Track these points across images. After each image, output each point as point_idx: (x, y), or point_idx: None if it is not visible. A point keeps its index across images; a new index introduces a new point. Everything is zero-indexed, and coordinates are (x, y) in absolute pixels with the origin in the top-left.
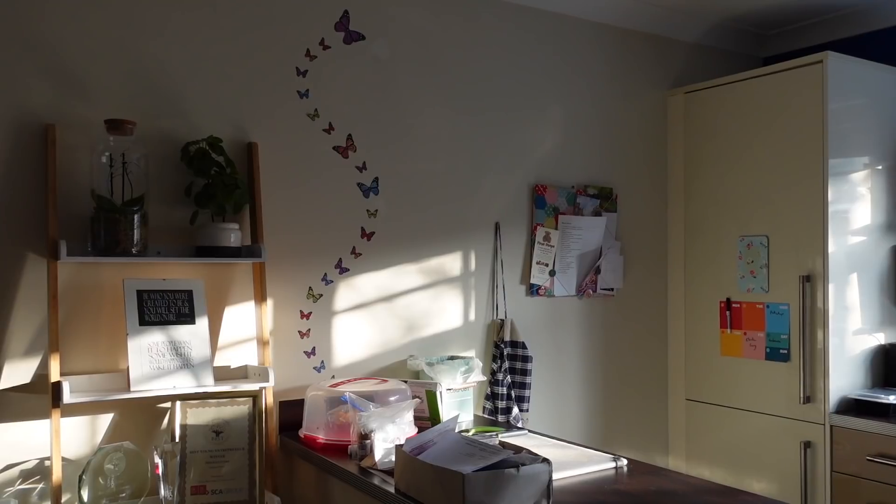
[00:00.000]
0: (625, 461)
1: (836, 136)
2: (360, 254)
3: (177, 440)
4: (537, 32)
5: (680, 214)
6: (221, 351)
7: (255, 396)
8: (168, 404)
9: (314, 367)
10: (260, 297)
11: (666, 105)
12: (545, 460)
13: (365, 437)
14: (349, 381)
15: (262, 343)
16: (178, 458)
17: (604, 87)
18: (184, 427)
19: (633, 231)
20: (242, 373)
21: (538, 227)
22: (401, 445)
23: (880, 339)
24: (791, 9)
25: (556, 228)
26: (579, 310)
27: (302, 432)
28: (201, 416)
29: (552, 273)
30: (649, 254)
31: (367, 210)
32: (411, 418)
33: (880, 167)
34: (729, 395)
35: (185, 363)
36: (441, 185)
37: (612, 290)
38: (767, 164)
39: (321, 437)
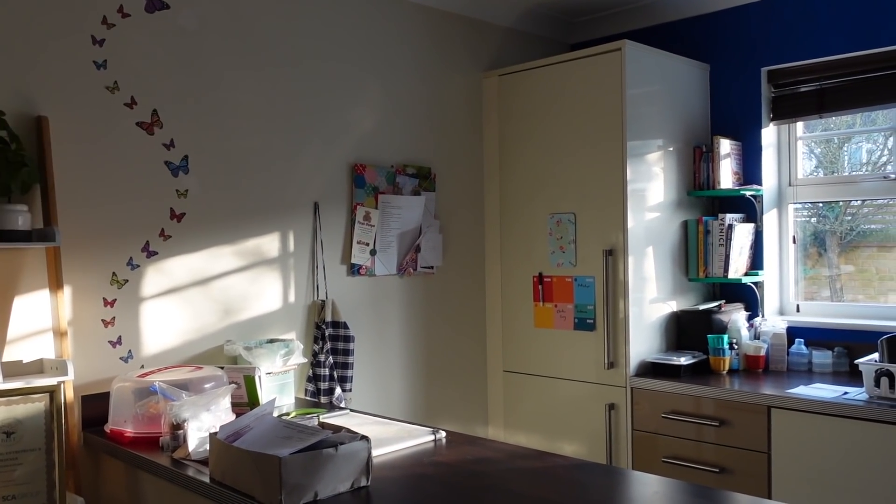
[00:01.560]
0: (443, 433)
1: (634, 120)
2: (170, 236)
3: None
4: (357, 10)
5: (495, 193)
6: (12, 345)
7: (52, 392)
8: None
9: (120, 358)
10: (55, 285)
11: (481, 87)
12: (364, 438)
13: (177, 427)
14: (160, 370)
15: (60, 334)
16: None
17: (422, 68)
18: None
19: (451, 210)
20: (37, 367)
21: (358, 206)
22: (215, 433)
23: (673, 306)
24: None
25: (376, 208)
26: (400, 288)
27: (108, 427)
28: None
29: (373, 252)
30: (467, 232)
31: (177, 190)
32: (228, 405)
33: (672, 149)
34: (542, 365)
35: None
36: (257, 163)
37: (433, 268)
38: (574, 145)
39: (129, 430)
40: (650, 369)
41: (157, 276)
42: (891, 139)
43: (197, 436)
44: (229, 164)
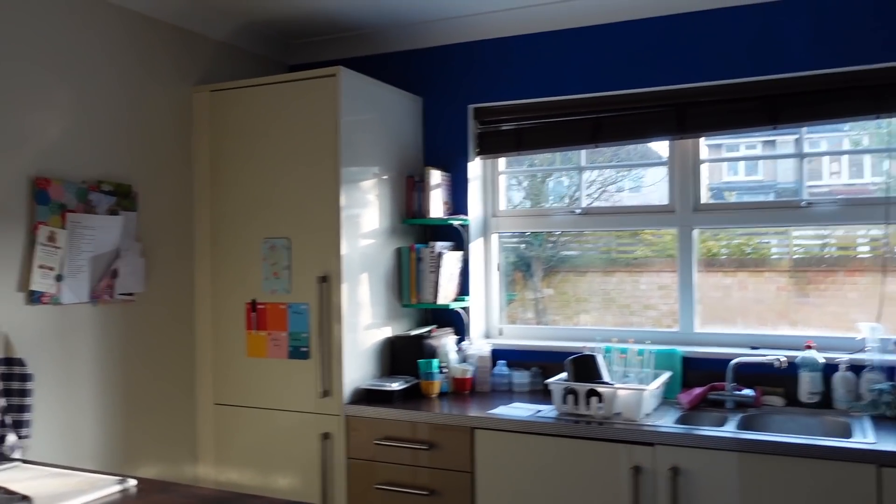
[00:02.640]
0: (132, 482)
1: (349, 147)
2: None
3: None
4: (42, 3)
5: (206, 215)
6: None
7: None
8: None
9: None
10: None
11: (191, 101)
12: (25, 498)
13: None
14: None
15: None
16: None
17: (123, 76)
18: None
19: (156, 231)
20: None
21: (40, 225)
22: None
23: (387, 332)
24: (313, 21)
25: (64, 228)
26: (94, 318)
27: None
28: None
29: (59, 278)
30: (174, 255)
31: None
32: None
33: (386, 177)
34: (255, 396)
35: None
36: None
37: (132, 294)
38: (290, 168)
39: None
40: (364, 396)
41: None
42: (584, 175)
43: None
44: None
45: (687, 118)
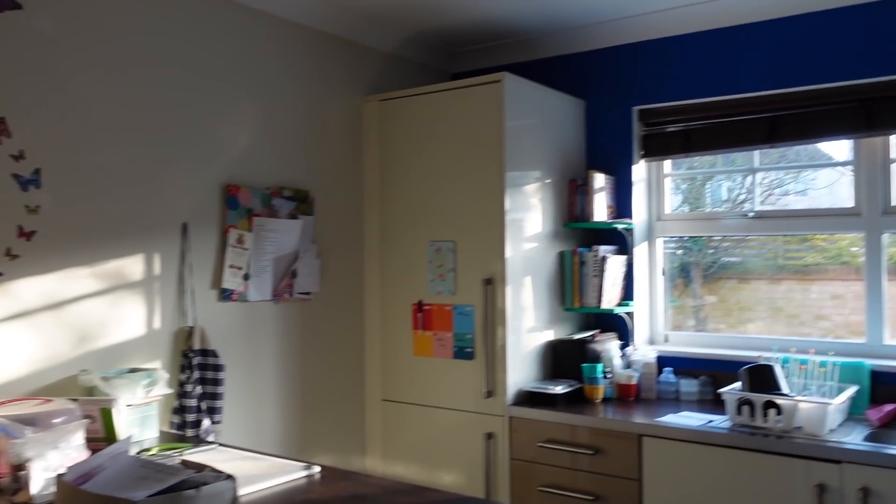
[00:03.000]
0: (317, 469)
1: (513, 151)
2: (18, 255)
3: None
4: (229, 25)
5: (376, 219)
6: None
7: None
8: None
9: None
10: None
11: (362, 111)
12: (229, 477)
13: (20, 467)
14: (3, 403)
15: None
16: None
17: (302, 89)
18: None
19: (330, 234)
20: None
21: (231, 228)
22: (63, 474)
23: (549, 335)
24: (476, 29)
25: (251, 231)
26: (275, 314)
27: None
28: None
29: (246, 277)
30: (346, 257)
31: (27, 206)
32: (81, 442)
33: (549, 181)
34: (421, 394)
35: None
36: (120, 180)
37: (309, 293)
38: (455, 173)
39: None
40: (527, 398)
41: (2, 299)
42: (749, 179)
43: (42, 477)
44: (88, 180)
45: (875, 115)
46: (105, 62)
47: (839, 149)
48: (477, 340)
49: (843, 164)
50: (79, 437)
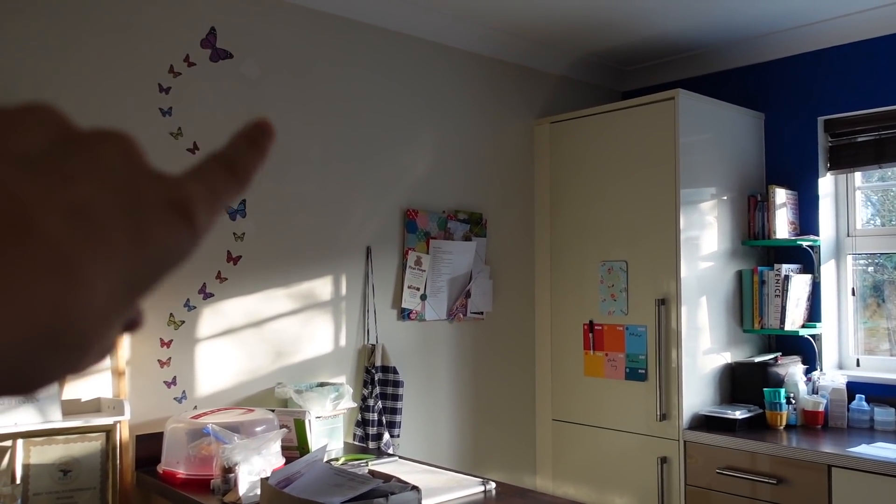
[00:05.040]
0: (493, 485)
1: (687, 168)
2: (226, 278)
3: (17, 482)
4: (409, 58)
5: (546, 239)
6: (71, 383)
7: (108, 431)
8: (9, 443)
9: (175, 398)
10: None
11: (533, 134)
12: (414, 488)
13: (229, 470)
14: (213, 411)
15: (117, 374)
16: (20, 501)
17: (474, 115)
18: (26, 467)
19: (501, 255)
20: (95, 406)
21: (409, 251)
22: (266, 478)
23: (727, 357)
24: (647, 47)
25: (428, 253)
26: (450, 333)
27: (160, 468)
28: (46, 454)
29: (423, 297)
30: (517, 278)
31: (234, 233)
32: (278, 449)
33: (725, 198)
34: (592, 415)
35: (28, 397)
36: (311, 208)
37: (482, 313)
38: (626, 192)
39: (181, 472)
40: (704, 422)
41: (213, 317)
42: None
43: (248, 480)
44: (284, 209)
45: None
46: (299, 101)
47: None
48: (650, 362)
49: None
50: (277, 445)
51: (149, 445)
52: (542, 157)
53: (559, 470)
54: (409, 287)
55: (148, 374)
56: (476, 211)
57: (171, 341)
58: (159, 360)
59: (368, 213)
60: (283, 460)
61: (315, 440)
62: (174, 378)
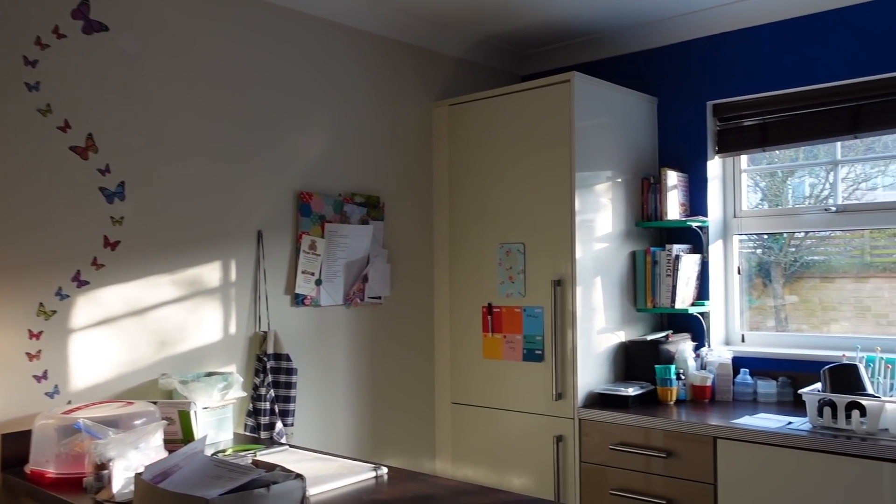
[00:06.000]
0: (385, 470)
1: (582, 151)
2: (104, 265)
3: None
4: (304, 37)
5: (445, 222)
6: None
7: None
8: None
9: (46, 393)
10: None
11: (432, 116)
12: (298, 476)
13: (102, 467)
14: (88, 405)
15: None
16: None
17: (372, 96)
18: None
19: (399, 239)
20: None
21: (303, 235)
22: (140, 473)
23: (621, 336)
24: (545, 30)
25: (323, 237)
26: (347, 319)
27: (28, 468)
28: None
29: (318, 282)
30: (415, 261)
31: (112, 217)
32: (160, 443)
33: (620, 180)
34: (491, 397)
35: None
36: (198, 190)
37: (380, 298)
38: (524, 175)
39: (51, 471)
40: (598, 400)
41: (89, 306)
42: (832, 173)
43: (123, 476)
44: (169, 191)
45: None
46: (184, 78)
47: None
48: (547, 342)
49: None
50: (158, 439)
51: (16, 444)
52: (441, 140)
53: (459, 453)
54: (303, 272)
55: (14, 368)
56: (373, 194)
57: (40, 333)
58: (28, 353)
59: (259, 196)
60: (166, 454)
61: (202, 432)
62: (45, 372)
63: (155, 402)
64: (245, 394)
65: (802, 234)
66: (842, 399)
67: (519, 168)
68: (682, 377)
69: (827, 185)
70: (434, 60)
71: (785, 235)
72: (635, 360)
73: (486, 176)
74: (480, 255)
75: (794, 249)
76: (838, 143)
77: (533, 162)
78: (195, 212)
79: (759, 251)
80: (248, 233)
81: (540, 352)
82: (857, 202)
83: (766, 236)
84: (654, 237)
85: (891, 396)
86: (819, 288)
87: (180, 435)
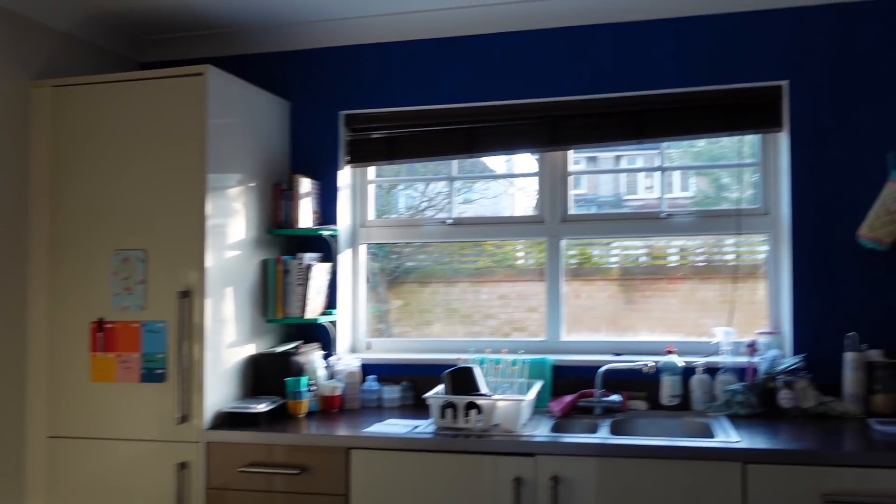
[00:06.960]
0: None
1: (216, 152)
2: None
3: None
4: None
5: (45, 225)
6: None
7: None
8: None
9: None
10: None
11: (30, 97)
12: None
13: None
14: None
15: None
16: None
17: None
18: None
19: None
20: None
21: None
22: None
23: (251, 350)
24: (170, 16)
25: None
26: None
27: None
28: None
29: None
30: (4, 271)
31: None
32: None
33: (253, 184)
34: (99, 426)
35: None
36: None
37: None
38: (147, 173)
39: None
40: (227, 420)
41: None
42: (429, 187)
43: None
44: None
45: (558, 131)
46: None
47: (526, 162)
48: (170, 360)
49: (531, 175)
50: None
51: None
52: (42, 127)
53: (57, 493)
54: None
55: None
56: None
57: None
58: None
59: None
60: None
61: None
62: None
63: None
64: None
65: (402, 242)
66: (461, 400)
67: (141, 165)
68: (314, 388)
69: (424, 199)
70: (32, 31)
71: (388, 244)
72: (266, 374)
73: (101, 172)
74: (90, 263)
75: (396, 256)
76: (454, 162)
77: (158, 159)
78: None
79: (369, 259)
80: None
81: (161, 371)
82: (467, 216)
83: (385, 244)
84: (286, 245)
85: (500, 394)
86: (417, 292)
87: None
